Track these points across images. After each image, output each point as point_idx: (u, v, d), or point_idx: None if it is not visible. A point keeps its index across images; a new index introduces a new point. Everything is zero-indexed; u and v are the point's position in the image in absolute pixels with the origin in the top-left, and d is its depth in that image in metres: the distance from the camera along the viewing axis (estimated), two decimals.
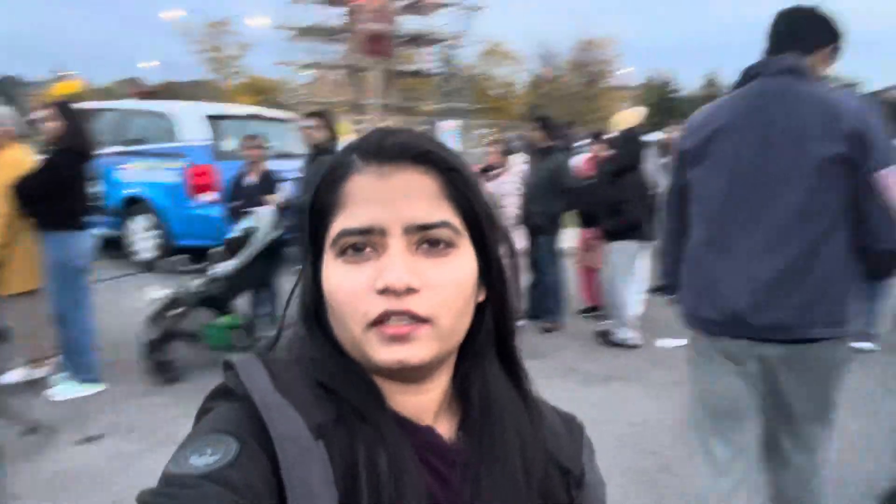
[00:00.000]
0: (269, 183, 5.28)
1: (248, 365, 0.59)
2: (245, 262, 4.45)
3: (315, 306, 0.63)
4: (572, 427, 0.76)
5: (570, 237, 6.20)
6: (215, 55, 46.93)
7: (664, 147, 6.85)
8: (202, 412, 0.61)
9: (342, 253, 0.59)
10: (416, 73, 38.32)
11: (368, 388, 0.60)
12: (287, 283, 5.40)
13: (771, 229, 1.85)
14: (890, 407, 3.97)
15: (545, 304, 5.72)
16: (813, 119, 1.81)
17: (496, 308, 0.66)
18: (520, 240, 5.20)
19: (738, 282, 1.87)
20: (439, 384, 0.64)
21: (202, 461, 0.52)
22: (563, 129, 6.08)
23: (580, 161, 6.33)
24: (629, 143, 4.95)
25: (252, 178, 5.33)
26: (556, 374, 4.66)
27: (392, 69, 34.22)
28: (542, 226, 5.45)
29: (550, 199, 5.41)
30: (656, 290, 6.82)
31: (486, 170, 5.15)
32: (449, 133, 24.48)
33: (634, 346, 5.17)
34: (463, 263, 0.60)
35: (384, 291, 0.56)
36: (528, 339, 5.35)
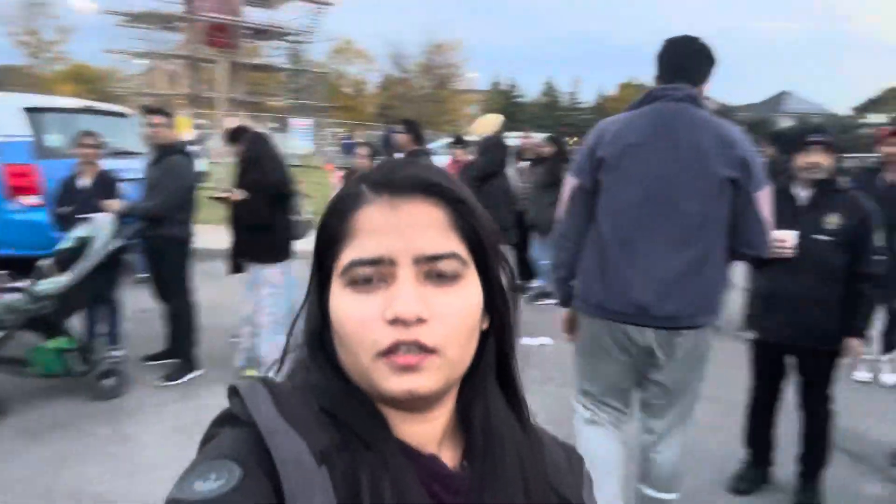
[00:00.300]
0: (106, 186, 4.69)
1: (252, 391, 0.60)
2: (80, 276, 3.92)
3: (319, 332, 0.64)
4: (572, 458, 0.76)
5: None
6: (31, 39, 41.86)
7: (520, 152, 7.10)
8: (207, 438, 0.61)
9: (351, 282, 0.59)
10: (263, 68, 36.72)
11: (373, 416, 0.61)
12: (127, 296, 4.88)
13: (674, 235, 2.18)
14: (730, 391, 4.36)
15: None
16: (711, 143, 2.16)
17: (498, 336, 0.67)
18: None
19: (645, 279, 2.19)
20: (443, 412, 0.65)
21: (206, 486, 0.53)
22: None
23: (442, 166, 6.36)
24: (493, 148, 5.03)
25: (86, 180, 4.71)
26: None
27: (237, 62, 32.47)
28: None
29: None
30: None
31: (349, 175, 4.98)
32: (301, 131, 23.82)
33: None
34: (470, 293, 0.61)
35: (394, 322, 0.57)
36: None
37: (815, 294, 2.92)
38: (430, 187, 0.61)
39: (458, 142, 6.25)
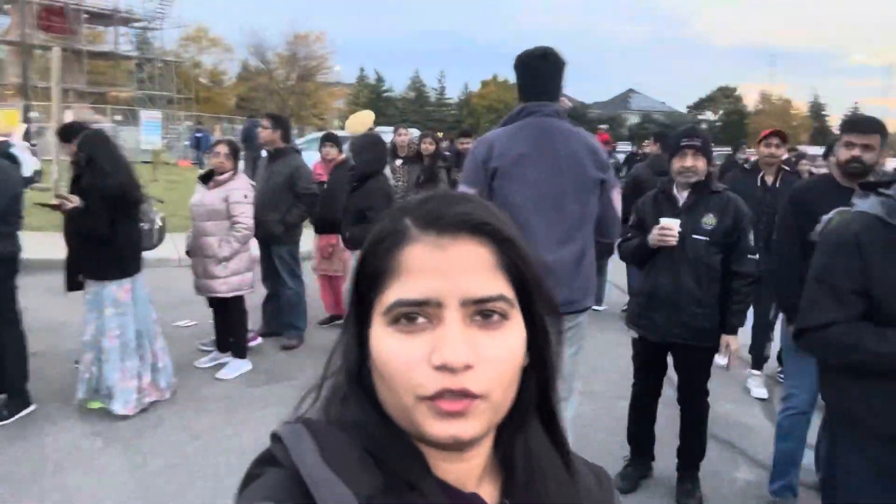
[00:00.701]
0: None
1: (296, 438, 0.59)
2: None
3: (358, 366, 0.63)
4: (601, 478, 0.77)
5: (307, 244, 5.84)
6: None
7: (394, 150, 6.87)
8: (249, 478, 0.61)
9: (395, 322, 0.58)
10: (106, 55, 33.59)
11: (414, 456, 0.61)
12: None
13: (561, 231, 2.54)
14: (610, 387, 4.45)
15: (285, 320, 5.29)
16: (583, 151, 2.57)
17: (539, 372, 0.67)
18: (253, 250, 4.69)
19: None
20: (483, 450, 0.65)
21: None
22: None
23: (312, 164, 5.98)
24: (370, 147, 4.75)
25: None
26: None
27: (76, 49, 29.42)
28: (278, 235, 5.00)
29: (287, 205, 4.99)
30: None
31: (208, 176, 4.49)
32: (150, 124, 22.00)
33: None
34: (515, 335, 0.61)
35: (441, 367, 0.56)
36: (268, 361, 4.89)
37: (693, 292, 2.99)
38: (478, 226, 0.60)
39: (329, 139, 5.88)
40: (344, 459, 0.57)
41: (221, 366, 4.60)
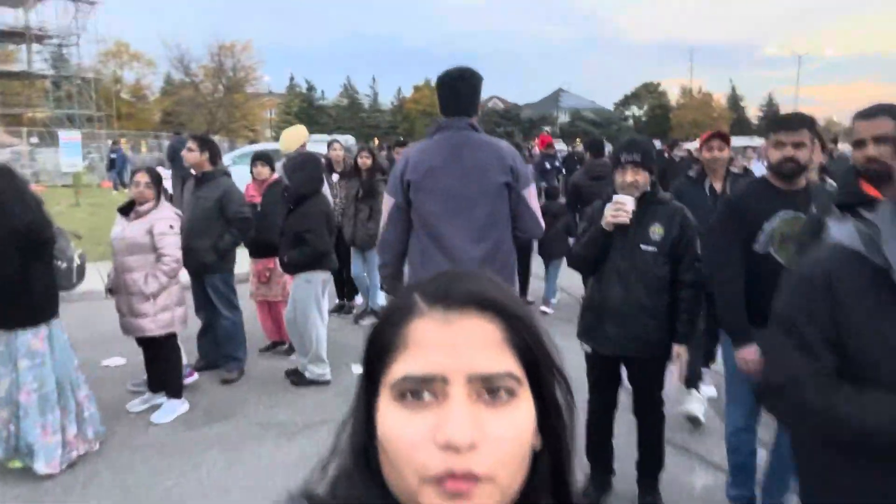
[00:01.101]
0: None
1: None
2: None
3: (365, 443, 0.62)
4: None
5: (243, 267, 5.57)
6: None
7: (329, 164, 6.66)
8: None
9: (401, 397, 0.58)
10: (19, 75, 31.77)
11: None
12: None
13: (472, 231, 2.82)
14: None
15: (222, 351, 5.01)
16: (489, 158, 2.84)
17: (553, 455, 0.64)
18: (183, 277, 4.41)
19: (453, 267, 2.50)
20: None
21: None
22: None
23: (244, 185, 5.71)
24: (306, 165, 4.55)
25: None
26: (248, 436, 4.05)
27: None
28: (210, 263, 4.73)
29: (217, 231, 4.72)
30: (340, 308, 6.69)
31: (128, 207, 4.16)
32: (69, 145, 20.86)
33: (327, 383, 4.83)
34: (523, 414, 0.59)
35: (446, 447, 0.55)
36: (207, 398, 4.61)
37: (643, 304, 2.94)
38: (485, 302, 0.60)
39: (260, 158, 5.63)
40: None
41: (155, 408, 4.29)
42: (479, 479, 0.55)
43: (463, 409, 0.55)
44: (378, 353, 0.61)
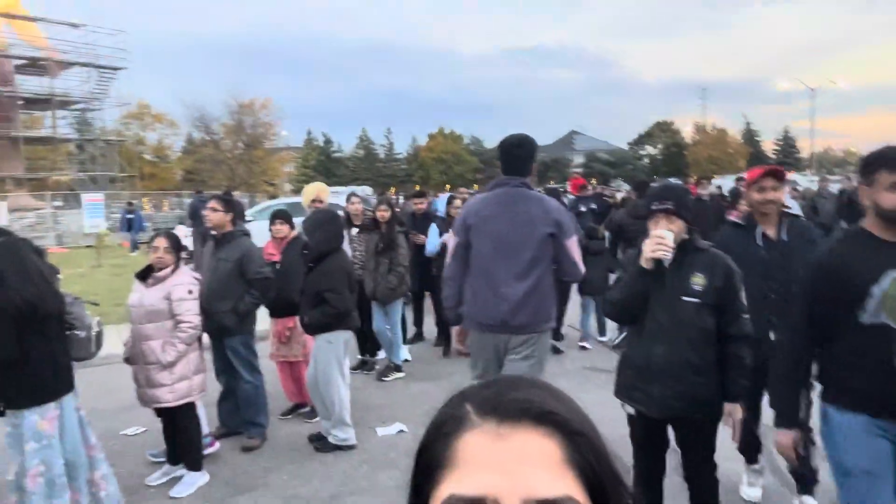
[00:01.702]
0: None
1: None
2: None
3: None
4: None
5: (261, 327, 5.44)
6: None
7: (348, 218, 6.59)
8: None
9: None
10: (45, 140, 32.67)
11: None
12: None
13: (517, 271, 3.31)
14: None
15: (244, 417, 4.84)
16: (537, 212, 3.34)
17: None
18: (205, 342, 4.28)
19: (501, 301, 3.33)
20: None
21: None
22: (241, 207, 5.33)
23: (263, 244, 5.63)
24: (326, 223, 4.45)
25: None
26: None
27: (12, 136, 28.50)
28: (230, 326, 4.61)
29: (237, 293, 4.61)
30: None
31: (146, 272, 4.07)
32: (92, 207, 21.26)
33: (352, 447, 4.62)
34: None
35: None
36: (228, 467, 4.42)
37: (689, 360, 2.74)
38: (543, 415, 0.55)
39: (279, 216, 5.56)
40: None
41: (175, 481, 4.11)
42: None
43: None
44: (427, 469, 0.56)
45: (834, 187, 12.84)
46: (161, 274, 3.96)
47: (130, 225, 20.51)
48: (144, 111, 44.92)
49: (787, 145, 60.98)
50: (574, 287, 6.86)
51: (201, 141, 43.23)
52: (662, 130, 62.39)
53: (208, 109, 40.51)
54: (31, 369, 3.18)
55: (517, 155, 3.44)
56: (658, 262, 2.73)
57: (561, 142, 67.09)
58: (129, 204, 22.34)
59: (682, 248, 2.78)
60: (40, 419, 3.20)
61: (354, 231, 6.57)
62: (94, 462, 3.51)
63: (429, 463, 0.57)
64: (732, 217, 3.97)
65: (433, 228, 7.01)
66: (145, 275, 4.03)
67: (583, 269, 3.46)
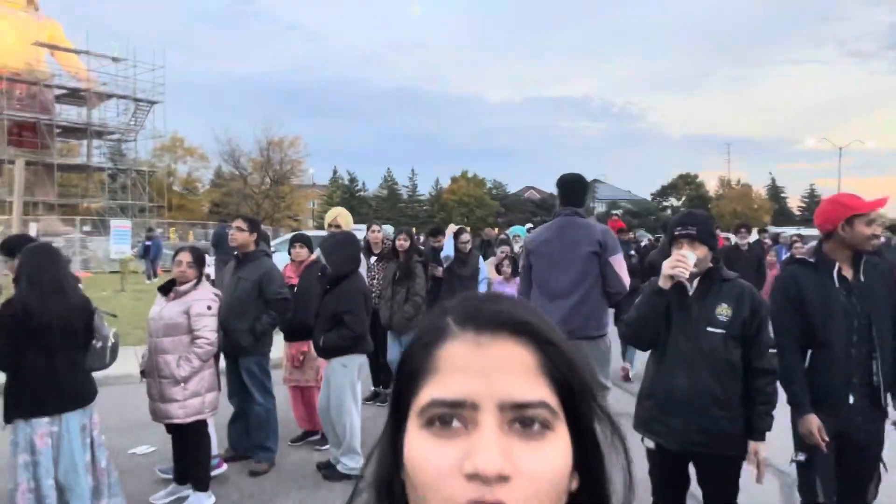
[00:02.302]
0: None
1: None
2: None
3: (390, 475, 0.60)
4: None
5: (275, 353, 5.41)
6: None
7: (367, 247, 6.61)
8: None
9: (429, 424, 0.55)
10: (79, 168, 33.56)
11: None
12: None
13: (567, 284, 3.78)
14: None
15: (254, 440, 4.78)
16: (583, 235, 3.83)
17: (591, 498, 0.59)
18: (218, 364, 4.26)
19: (555, 309, 3.69)
20: None
21: None
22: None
23: (283, 267, 5.65)
24: (344, 245, 4.46)
25: None
26: None
27: (47, 162, 29.33)
28: (246, 346, 4.59)
29: (255, 313, 4.61)
30: None
31: (168, 286, 4.11)
32: (119, 233, 21.54)
33: (360, 477, 4.51)
34: (559, 450, 0.55)
35: (473, 477, 0.51)
36: (235, 490, 4.33)
37: (713, 393, 2.65)
38: (518, 326, 0.57)
39: (298, 239, 5.59)
40: None
41: (181, 500, 4.04)
42: None
43: (493, 438, 0.53)
44: (408, 377, 0.58)
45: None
46: (182, 288, 3.98)
47: (147, 251, 20.41)
48: (177, 144, 46.05)
49: (813, 203, 60.40)
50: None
51: (230, 175, 44.07)
52: (686, 183, 62.28)
53: (239, 145, 41.45)
54: (24, 380, 3.14)
55: (572, 189, 4.00)
56: (678, 284, 2.68)
57: None
58: (149, 230, 22.15)
59: (709, 277, 2.73)
60: (33, 433, 3.14)
61: (373, 259, 6.57)
62: (100, 490, 3.40)
63: (410, 372, 0.58)
64: (800, 254, 3.98)
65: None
66: (168, 288, 4.05)
67: (627, 281, 3.82)
